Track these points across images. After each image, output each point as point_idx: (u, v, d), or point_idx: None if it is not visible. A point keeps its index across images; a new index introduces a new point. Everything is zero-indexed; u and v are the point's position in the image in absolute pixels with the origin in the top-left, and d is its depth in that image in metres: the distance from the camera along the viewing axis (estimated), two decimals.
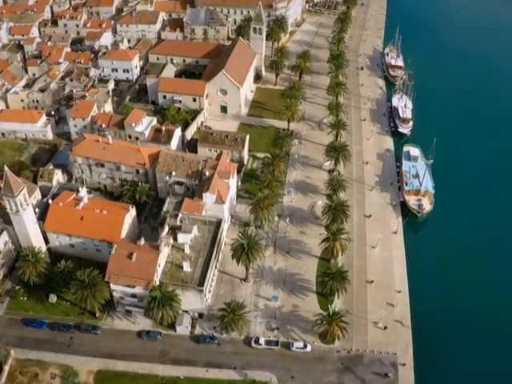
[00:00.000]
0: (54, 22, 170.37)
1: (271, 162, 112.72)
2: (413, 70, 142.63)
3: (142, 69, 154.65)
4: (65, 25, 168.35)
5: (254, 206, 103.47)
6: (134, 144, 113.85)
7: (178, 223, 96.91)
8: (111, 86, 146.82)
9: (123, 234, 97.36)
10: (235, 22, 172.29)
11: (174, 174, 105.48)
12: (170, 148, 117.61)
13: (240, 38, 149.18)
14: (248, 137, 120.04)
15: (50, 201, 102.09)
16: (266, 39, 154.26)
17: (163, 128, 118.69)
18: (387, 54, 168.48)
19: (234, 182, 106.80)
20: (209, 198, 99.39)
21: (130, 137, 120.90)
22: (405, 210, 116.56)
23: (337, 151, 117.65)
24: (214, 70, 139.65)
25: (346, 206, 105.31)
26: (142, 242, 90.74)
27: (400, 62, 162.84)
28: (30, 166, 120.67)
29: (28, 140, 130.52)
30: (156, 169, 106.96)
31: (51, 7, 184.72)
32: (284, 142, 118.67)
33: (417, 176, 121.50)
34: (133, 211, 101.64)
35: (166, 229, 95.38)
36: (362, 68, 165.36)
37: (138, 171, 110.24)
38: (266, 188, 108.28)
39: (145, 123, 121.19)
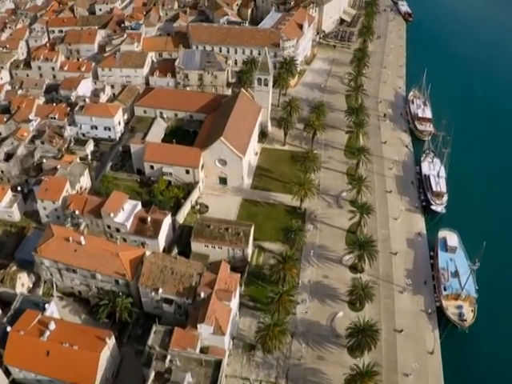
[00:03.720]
0: (27, 64, 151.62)
1: (282, 267, 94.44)
2: (449, 134, 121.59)
3: (127, 123, 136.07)
4: (39, 67, 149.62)
5: (262, 333, 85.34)
6: (111, 244, 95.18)
7: (167, 364, 78.93)
8: (90, 148, 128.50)
9: (99, 375, 79.63)
10: (236, 63, 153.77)
11: (161, 290, 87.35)
12: (158, 244, 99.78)
13: (242, 90, 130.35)
14: (253, 228, 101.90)
15: (9, 327, 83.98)
16: (273, 86, 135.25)
17: (149, 219, 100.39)
18: (412, 102, 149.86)
19: (236, 301, 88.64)
20: (205, 329, 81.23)
21: (109, 227, 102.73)
22: (442, 319, 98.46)
23: (361, 248, 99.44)
24: (210, 131, 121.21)
25: (375, 331, 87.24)
26: None
27: (428, 113, 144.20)
28: None
29: None
30: (139, 283, 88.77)
31: (27, 42, 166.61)
32: (297, 238, 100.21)
33: (456, 275, 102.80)
34: (111, 341, 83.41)
35: (152, 375, 77.36)
36: (384, 115, 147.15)
37: (117, 281, 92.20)
38: (277, 303, 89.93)
39: (127, 209, 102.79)
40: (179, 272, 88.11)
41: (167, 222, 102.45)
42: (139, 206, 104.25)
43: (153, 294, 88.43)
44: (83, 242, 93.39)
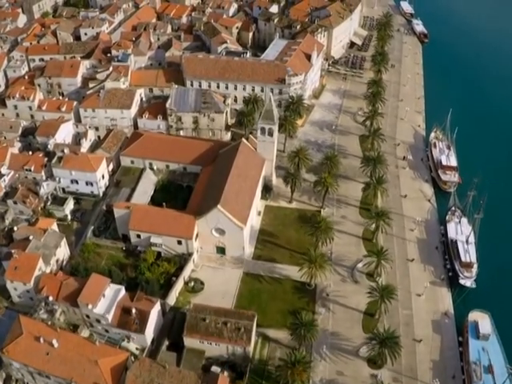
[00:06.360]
0: (2, 102, 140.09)
1: (291, 373, 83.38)
2: (482, 196, 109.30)
3: (112, 174, 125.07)
4: (15, 106, 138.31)
5: None
6: (89, 346, 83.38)
7: None
8: (69, 207, 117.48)
9: None
10: (236, 101, 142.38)
11: None
12: (145, 339, 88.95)
13: (243, 140, 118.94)
14: (255, 319, 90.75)
15: None
16: (278, 130, 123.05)
17: (133, 310, 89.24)
18: (434, 145, 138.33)
19: None
20: None
21: (88, 316, 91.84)
22: None
23: (382, 345, 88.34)
24: (206, 192, 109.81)
25: None
26: None
27: (453, 160, 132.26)
28: None
29: None
30: None
31: (5, 72, 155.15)
32: (308, 335, 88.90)
33: (490, 370, 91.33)
34: None
35: None
36: (404, 158, 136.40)
37: None
38: None
39: (108, 296, 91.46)
40: None
41: (155, 310, 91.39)
42: (123, 292, 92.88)
43: None
44: (56, 345, 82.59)
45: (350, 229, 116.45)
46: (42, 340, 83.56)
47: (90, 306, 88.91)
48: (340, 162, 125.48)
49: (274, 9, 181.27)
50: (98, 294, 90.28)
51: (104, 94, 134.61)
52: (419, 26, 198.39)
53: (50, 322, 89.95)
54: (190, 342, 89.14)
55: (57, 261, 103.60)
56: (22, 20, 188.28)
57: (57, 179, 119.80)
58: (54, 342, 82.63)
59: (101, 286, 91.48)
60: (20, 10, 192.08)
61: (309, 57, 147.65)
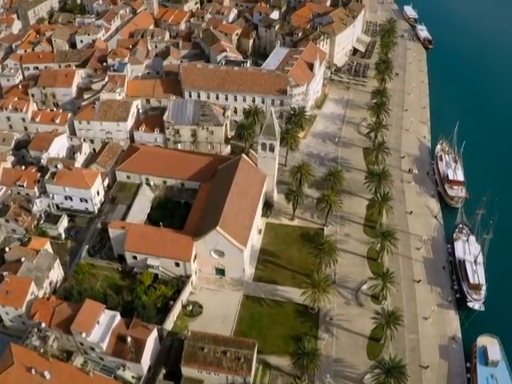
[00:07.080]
0: None
1: None
2: (493, 216, 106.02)
3: (108, 189, 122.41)
4: (8, 118, 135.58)
5: None
6: (83, 377, 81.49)
7: None
8: (63, 225, 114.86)
9: None
10: (236, 112, 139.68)
11: None
12: (141, 368, 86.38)
13: (243, 156, 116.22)
14: (256, 347, 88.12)
15: None
16: (280, 143, 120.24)
17: (129, 339, 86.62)
18: (440, 158, 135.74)
19: None
20: None
21: (82, 344, 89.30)
22: None
23: (387, 374, 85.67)
24: (205, 210, 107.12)
25: None
26: None
27: (460, 174, 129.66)
28: None
29: None
30: None
31: None
32: (311, 365, 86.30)
33: None
34: None
35: None
36: (409, 171, 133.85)
37: None
38: None
39: (103, 322, 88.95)
40: None
41: (152, 338, 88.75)
42: (118, 318, 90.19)
43: None
44: (48, 377, 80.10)
45: (355, 248, 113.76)
46: (33, 371, 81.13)
47: (83, 334, 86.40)
48: (343, 177, 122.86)
49: (275, 15, 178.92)
50: (92, 321, 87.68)
51: (99, 106, 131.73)
52: (423, 32, 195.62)
53: (42, 350, 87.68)
54: (187, 371, 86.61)
55: (50, 283, 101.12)
56: (16, 26, 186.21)
57: (50, 196, 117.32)
58: (46, 373, 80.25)
59: (95, 313, 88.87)
60: (15, 16, 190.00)
61: (311, 66, 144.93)
